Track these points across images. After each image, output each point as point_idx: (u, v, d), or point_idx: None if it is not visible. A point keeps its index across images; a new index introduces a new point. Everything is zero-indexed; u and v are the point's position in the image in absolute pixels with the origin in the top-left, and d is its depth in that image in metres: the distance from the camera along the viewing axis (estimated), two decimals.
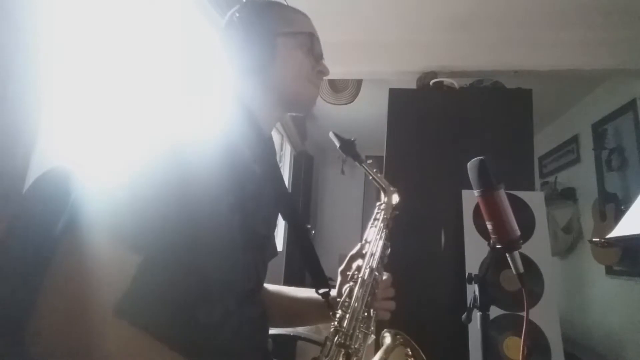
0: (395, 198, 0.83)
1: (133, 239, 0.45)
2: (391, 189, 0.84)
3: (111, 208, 0.45)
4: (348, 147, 0.82)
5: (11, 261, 0.49)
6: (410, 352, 0.69)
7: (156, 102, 0.60)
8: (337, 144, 0.82)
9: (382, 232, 0.78)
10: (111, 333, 0.44)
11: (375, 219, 0.82)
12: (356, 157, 0.82)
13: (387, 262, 0.77)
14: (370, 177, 0.84)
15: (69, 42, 0.82)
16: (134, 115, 0.55)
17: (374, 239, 0.77)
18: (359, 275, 0.69)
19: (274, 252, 0.78)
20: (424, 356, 0.69)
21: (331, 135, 0.84)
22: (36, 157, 0.72)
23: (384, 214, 0.81)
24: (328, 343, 0.59)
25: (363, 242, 0.78)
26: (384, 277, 0.75)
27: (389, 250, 0.78)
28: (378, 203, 0.85)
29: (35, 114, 0.72)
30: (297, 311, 0.83)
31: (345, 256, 0.79)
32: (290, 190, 3.26)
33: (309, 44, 0.71)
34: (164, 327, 0.48)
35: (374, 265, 0.72)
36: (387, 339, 0.71)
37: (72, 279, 0.43)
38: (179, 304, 0.51)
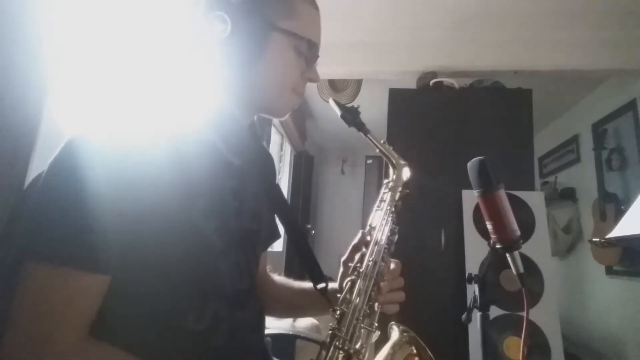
0: (406, 173, 0.74)
1: (93, 261, 0.43)
2: (401, 162, 0.75)
3: (64, 235, 0.43)
4: (351, 115, 0.73)
5: (10, 259, 0.49)
6: (415, 351, 0.65)
7: (121, 98, 0.56)
8: (339, 113, 0.73)
9: (388, 215, 0.70)
10: (89, 356, 0.44)
11: (381, 201, 0.73)
12: (360, 126, 0.73)
13: (394, 250, 0.70)
14: (377, 150, 0.75)
15: (70, 41, 0.82)
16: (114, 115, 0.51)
17: (379, 224, 0.69)
18: (361, 269, 0.63)
19: (274, 236, 0.74)
20: (431, 355, 0.65)
21: (331, 102, 0.75)
22: (36, 157, 0.72)
23: (392, 194, 0.72)
24: (324, 352, 0.56)
25: (367, 228, 0.70)
26: (392, 266, 0.68)
27: (397, 236, 0.70)
28: (385, 181, 0.75)
29: (35, 113, 0.72)
30: (302, 303, 0.79)
31: None
32: (290, 191, 3.29)
33: (306, 47, 0.62)
34: (149, 340, 0.48)
35: (378, 256, 0.65)
36: (395, 332, 0.68)
37: (33, 309, 0.42)
38: (162, 315, 0.49)
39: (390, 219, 0.70)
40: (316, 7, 0.65)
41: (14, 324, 0.42)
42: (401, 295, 0.69)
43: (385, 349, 0.64)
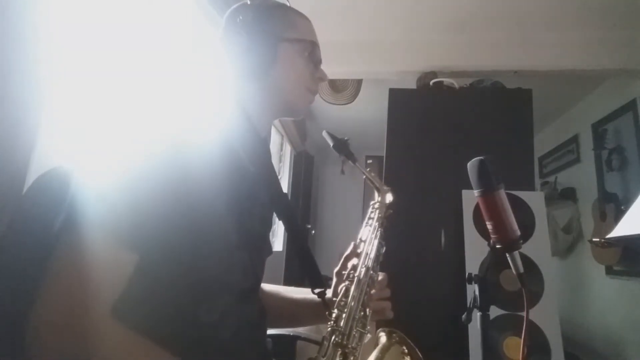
0: (389, 197, 0.84)
1: (130, 237, 0.45)
2: (384, 188, 0.84)
3: (108, 207, 0.45)
4: (341, 146, 0.82)
5: (10, 261, 0.49)
6: (406, 350, 0.69)
7: (155, 102, 0.59)
8: (331, 143, 0.82)
9: (377, 231, 0.78)
10: (108, 335, 0.44)
11: (369, 218, 0.82)
12: (349, 156, 0.82)
13: (388, 261, 0.77)
14: (364, 176, 0.85)
15: (69, 42, 0.82)
16: (133, 114, 0.55)
17: (369, 238, 0.77)
18: (355, 275, 0.69)
19: (269, 250, 0.78)
20: (420, 354, 0.69)
21: (325, 134, 0.84)
22: (36, 157, 0.72)
23: (379, 213, 0.81)
24: (325, 343, 0.59)
25: (357, 241, 0.78)
26: (380, 278, 0.75)
27: (384, 249, 0.78)
28: (372, 202, 0.85)
29: (35, 113, 0.72)
30: (292, 312, 0.82)
31: None
32: (290, 191, 3.30)
33: (310, 50, 0.72)
34: (162, 327, 0.48)
35: (370, 264, 0.71)
36: (383, 338, 0.71)
37: (69, 280, 0.43)
38: (178, 303, 0.50)
39: (378, 233, 0.78)
40: (309, 20, 0.76)
41: (49, 291, 0.42)
42: (388, 305, 0.75)
43: (375, 353, 0.67)
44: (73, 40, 0.84)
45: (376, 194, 0.85)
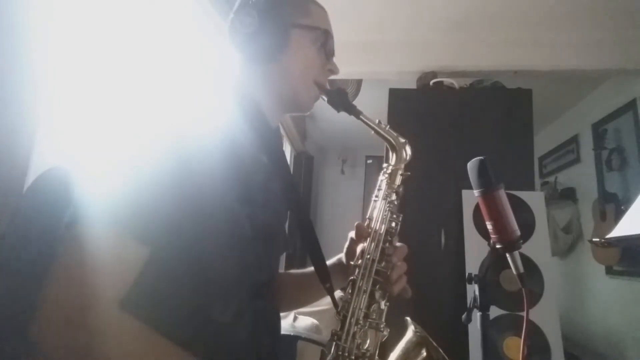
0: (408, 151, 0.70)
1: (140, 229, 0.44)
2: (401, 140, 0.70)
3: (116, 200, 0.44)
4: (338, 98, 0.70)
5: (11, 259, 0.49)
6: (425, 354, 0.63)
7: (161, 93, 0.58)
8: (325, 99, 0.71)
9: (387, 204, 0.67)
10: (116, 328, 0.43)
11: (378, 189, 0.69)
12: (350, 109, 0.70)
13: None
14: (373, 132, 0.71)
15: (68, 41, 0.82)
16: (138, 107, 0.53)
17: (375, 216, 0.67)
18: (360, 270, 0.63)
19: (287, 246, 0.74)
20: (445, 355, 0.63)
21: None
22: (36, 157, 0.72)
23: (389, 180, 0.69)
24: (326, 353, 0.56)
25: (365, 222, 0.68)
26: (398, 246, 0.66)
27: (399, 226, 0.66)
28: (384, 166, 0.71)
29: (35, 114, 0.72)
30: (308, 284, 0.77)
31: None
32: None
33: (323, 40, 0.69)
34: (173, 324, 0.47)
35: (376, 253, 0.63)
36: (410, 328, 0.67)
37: (76, 272, 0.42)
38: (190, 302, 0.49)
39: (389, 208, 0.67)
40: (324, 9, 0.74)
41: (56, 285, 0.42)
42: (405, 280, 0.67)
43: (401, 346, 0.64)
44: (72, 39, 0.83)
45: (390, 155, 0.70)
